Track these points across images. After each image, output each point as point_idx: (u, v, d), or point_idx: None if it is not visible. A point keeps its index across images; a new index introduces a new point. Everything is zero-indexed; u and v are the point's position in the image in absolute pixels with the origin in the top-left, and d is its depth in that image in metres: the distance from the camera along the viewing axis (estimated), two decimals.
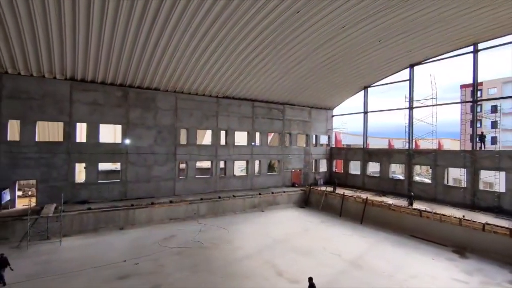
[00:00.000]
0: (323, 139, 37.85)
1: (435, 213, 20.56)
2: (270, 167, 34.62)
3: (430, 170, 27.61)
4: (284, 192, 30.21)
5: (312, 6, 17.57)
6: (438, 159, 25.28)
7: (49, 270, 14.07)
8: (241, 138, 31.05)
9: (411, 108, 27.83)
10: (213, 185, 28.09)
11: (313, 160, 35.89)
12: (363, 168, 32.14)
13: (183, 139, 27.03)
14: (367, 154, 32.04)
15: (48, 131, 27.85)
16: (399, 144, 47.99)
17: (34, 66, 19.58)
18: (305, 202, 30.83)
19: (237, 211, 26.44)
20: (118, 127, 24.22)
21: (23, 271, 13.73)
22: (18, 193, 22.20)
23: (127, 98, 23.69)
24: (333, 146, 38.04)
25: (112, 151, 23.23)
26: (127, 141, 23.72)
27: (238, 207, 26.69)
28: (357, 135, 41.25)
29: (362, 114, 33.30)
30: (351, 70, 27.90)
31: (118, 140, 24.10)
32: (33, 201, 20.74)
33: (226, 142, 29.10)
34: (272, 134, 36.84)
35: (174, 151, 25.89)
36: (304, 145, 35.57)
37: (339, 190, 29.35)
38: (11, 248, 16.59)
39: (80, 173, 23.88)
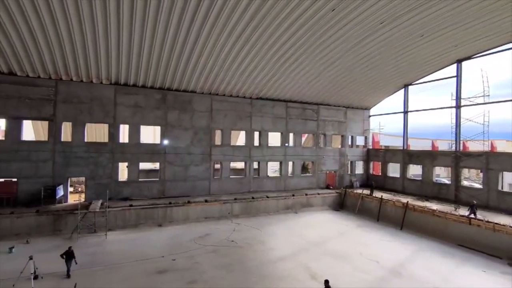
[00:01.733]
0: (360, 140, 36.49)
1: (488, 221, 18.79)
2: (304, 169, 34.14)
3: (481, 174, 25.33)
4: (318, 194, 29.58)
5: (348, 3, 17.02)
6: (491, 162, 23.12)
7: (96, 261, 15.12)
8: (274, 139, 31.00)
9: (458, 106, 25.76)
10: (246, 185, 28.35)
11: (349, 162, 34.73)
12: (403, 170, 30.43)
13: (218, 140, 27.65)
14: (407, 156, 30.29)
15: (95, 132, 30.00)
16: (444, 145, 44.78)
17: (84, 72, 21.26)
18: (340, 205, 29.91)
19: (270, 212, 26.40)
20: (157, 128, 25.43)
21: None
22: (70, 189, 24.18)
23: (166, 100, 24.79)
24: (370, 147, 36.50)
25: (151, 151, 24.46)
26: (166, 142, 24.82)
27: (272, 208, 26.64)
28: (396, 135, 39.14)
29: (402, 114, 31.55)
30: (390, 67, 26.57)
31: (157, 140, 25.31)
32: (82, 197, 22.53)
33: (259, 143, 29.22)
34: (306, 135, 36.34)
35: (209, 151, 26.56)
36: (339, 146, 34.56)
37: (377, 194, 28.07)
38: (64, 239, 18.17)
39: (123, 171, 25.43)
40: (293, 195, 28.02)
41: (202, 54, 21.02)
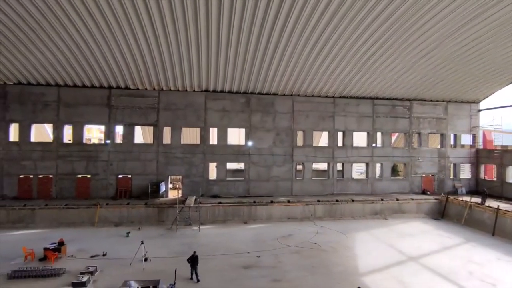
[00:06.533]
0: (465, 139, 31.16)
1: None
2: (394, 171, 31.08)
3: None
4: (412, 199, 26.45)
5: None
6: None
7: (191, 250, 16.34)
8: (360, 139, 29.13)
9: None
10: (329, 187, 27.43)
11: (451, 164, 30.03)
12: None
13: (299, 141, 27.56)
14: None
15: (189, 135, 33.59)
16: None
17: (180, 83, 24.07)
18: (441, 214, 26.07)
19: (355, 216, 24.87)
20: (242, 130, 26.90)
21: (174, 249, 17.02)
22: (169, 185, 27.62)
23: (249, 104, 26.03)
24: (481, 147, 30.80)
25: (237, 152, 26.07)
26: (250, 143, 26.04)
27: (357, 212, 25.06)
28: None
29: None
30: (508, 51, 21.85)
31: (242, 142, 26.78)
32: (179, 193, 25.51)
33: (343, 144, 27.94)
34: (397, 134, 33.03)
35: (291, 152, 26.69)
36: (438, 147, 30.25)
37: (490, 203, 23.43)
38: (166, 229, 20.90)
39: (212, 171, 27.75)
40: (381, 200, 25.77)
41: (283, 57, 21.29)
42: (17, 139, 23.57)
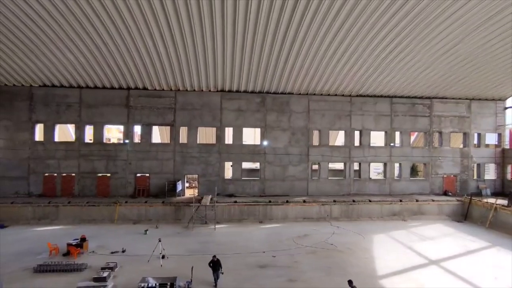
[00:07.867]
0: (490, 138, 29.83)
1: None
2: (413, 171, 30.18)
3: None
4: (433, 201, 25.60)
5: None
6: None
7: (207, 249, 16.98)
8: (377, 138, 28.51)
9: None
10: (346, 187, 27.01)
11: (474, 165, 28.86)
12: None
13: (315, 140, 27.29)
14: None
15: (205, 134, 34.01)
16: None
17: (196, 83, 24.36)
18: (464, 216, 25.10)
19: (373, 217, 24.36)
20: (257, 130, 26.95)
21: (191, 247, 17.26)
22: (186, 184, 28.02)
23: (265, 103, 26.03)
24: (507, 147, 29.42)
25: (252, 152, 26.14)
26: (265, 143, 26.03)
27: (375, 213, 24.54)
28: None
29: None
30: None
31: (257, 141, 26.82)
32: (196, 192, 25.84)
33: (360, 143, 27.43)
34: (416, 133, 32.10)
35: (307, 152, 26.48)
36: (461, 146, 29.13)
37: None
38: (182, 228, 21.20)
39: (227, 170, 27.94)
40: (400, 200, 25.09)
41: (299, 55, 21.11)
42: (42, 139, 24.62)
